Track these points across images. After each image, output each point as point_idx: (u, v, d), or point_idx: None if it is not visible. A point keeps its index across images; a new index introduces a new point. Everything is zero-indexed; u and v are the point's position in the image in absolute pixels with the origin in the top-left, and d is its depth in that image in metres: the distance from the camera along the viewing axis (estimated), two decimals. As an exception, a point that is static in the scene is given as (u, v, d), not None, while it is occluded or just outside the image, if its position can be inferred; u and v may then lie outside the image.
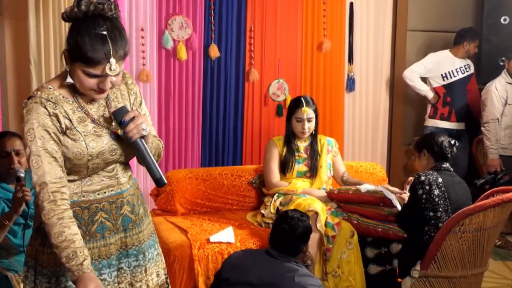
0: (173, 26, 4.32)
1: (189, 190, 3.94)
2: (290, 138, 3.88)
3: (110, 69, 1.77)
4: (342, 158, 4.27)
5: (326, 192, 3.77)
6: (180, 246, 3.33)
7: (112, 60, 1.76)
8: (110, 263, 1.97)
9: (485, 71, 5.19)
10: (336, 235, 3.47)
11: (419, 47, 5.31)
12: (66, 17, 1.81)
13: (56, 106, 1.84)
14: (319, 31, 4.86)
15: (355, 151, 5.18)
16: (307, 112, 3.80)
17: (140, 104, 2.07)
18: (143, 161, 1.91)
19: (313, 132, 3.89)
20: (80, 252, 1.72)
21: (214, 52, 4.48)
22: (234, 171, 4.15)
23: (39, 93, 1.84)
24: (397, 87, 5.29)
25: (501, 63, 5.01)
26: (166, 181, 1.94)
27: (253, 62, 4.64)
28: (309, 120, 3.81)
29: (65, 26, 3.85)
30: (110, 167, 1.97)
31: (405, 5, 5.21)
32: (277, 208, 3.67)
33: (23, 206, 2.66)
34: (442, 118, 5.04)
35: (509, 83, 4.79)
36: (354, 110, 5.15)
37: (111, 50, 1.76)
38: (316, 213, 3.42)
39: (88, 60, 1.76)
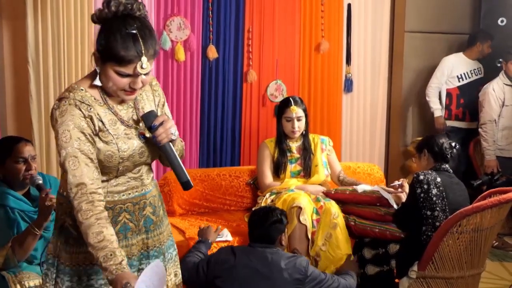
0: (171, 27, 4.32)
1: (187, 190, 3.93)
2: (281, 139, 3.89)
3: (142, 67, 1.79)
4: (340, 159, 4.28)
5: (323, 192, 3.76)
6: (178, 247, 3.23)
7: (144, 58, 1.78)
8: (131, 264, 1.98)
9: (484, 74, 5.21)
10: (319, 218, 3.49)
11: (416, 48, 5.33)
12: (96, 18, 1.83)
13: (90, 108, 1.85)
14: (317, 32, 4.87)
15: (353, 152, 5.19)
16: (296, 111, 3.81)
17: (163, 105, 2.09)
18: (171, 164, 1.93)
19: (304, 132, 3.89)
20: (118, 252, 1.73)
21: (212, 53, 4.49)
22: (232, 171, 4.16)
23: (71, 94, 1.85)
24: (395, 88, 5.30)
25: (498, 65, 5.04)
26: (192, 184, 1.97)
27: (251, 63, 4.65)
28: (298, 119, 3.82)
29: (64, 26, 3.85)
30: (137, 169, 1.99)
31: (403, 6, 5.22)
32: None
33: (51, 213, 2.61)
34: (457, 119, 5.11)
35: (506, 84, 4.81)
36: (352, 111, 5.16)
37: (143, 49, 1.78)
38: (300, 208, 3.42)
39: (120, 59, 1.77)
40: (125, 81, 1.82)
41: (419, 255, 3.06)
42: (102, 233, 1.73)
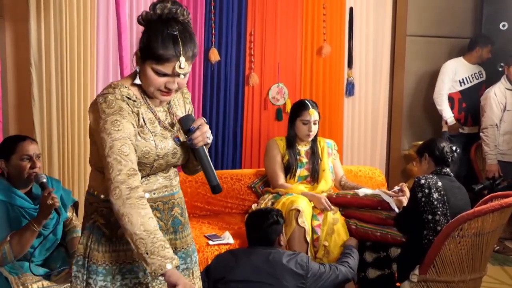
0: (174, 29, 4.32)
1: (189, 193, 3.95)
2: (293, 141, 3.88)
3: (180, 67, 1.84)
4: (341, 162, 4.28)
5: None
6: (179, 249, 3.33)
7: (182, 58, 1.83)
8: None
9: (486, 77, 5.22)
10: (320, 223, 3.50)
11: (418, 52, 5.33)
12: (142, 20, 1.91)
13: (135, 104, 1.91)
14: (318, 35, 4.88)
15: (354, 155, 5.19)
16: (314, 114, 3.80)
17: (191, 113, 2.13)
18: (203, 167, 1.97)
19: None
20: (167, 244, 1.76)
21: (214, 56, 4.50)
22: (233, 174, 4.16)
23: (117, 90, 1.89)
24: (396, 92, 5.31)
25: (500, 69, 5.04)
26: (222, 188, 1.99)
27: (253, 66, 4.66)
28: (314, 123, 3.82)
29: (67, 29, 3.85)
30: (170, 171, 2.03)
31: (405, 10, 5.23)
32: None
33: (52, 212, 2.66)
34: (459, 123, 5.10)
35: (508, 89, 4.81)
36: (353, 115, 5.16)
37: (181, 50, 1.83)
38: (298, 211, 3.42)
39: (159, 57, 1.83)
40: (161, 81, 1.86)
41: (420, 259, 3.06)
42: (149, 225, 1.75)
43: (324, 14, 4.87)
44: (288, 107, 4.64)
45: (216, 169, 4.63)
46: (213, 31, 4.50)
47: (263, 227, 3.03)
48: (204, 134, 1.93)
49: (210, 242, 3.42)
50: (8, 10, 3.82)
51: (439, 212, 3.04)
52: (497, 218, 3.01)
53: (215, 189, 1.96)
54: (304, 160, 3.88)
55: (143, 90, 1.95)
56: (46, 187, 2.68)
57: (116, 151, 1.79)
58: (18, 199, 2.77)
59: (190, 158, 2.07)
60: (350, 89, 5.09)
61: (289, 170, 3.83)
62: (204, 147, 1.96)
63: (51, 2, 3.80)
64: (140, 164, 1.89)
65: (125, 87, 1.92)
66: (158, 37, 1.84)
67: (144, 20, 1.90)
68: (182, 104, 2.10)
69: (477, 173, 5.06)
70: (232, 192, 4.09)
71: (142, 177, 1.91)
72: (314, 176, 3.87)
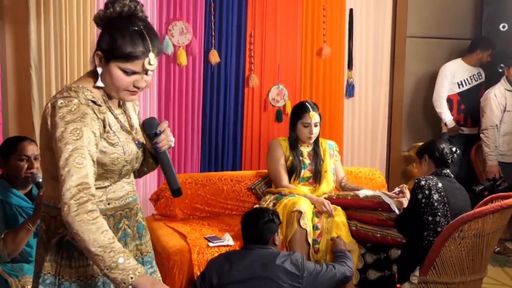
0: (174, 31, 4.33)
1: (189, 195, 3.95)
2: (295, 144, 3.88)
3: (149, 63, 1.78)
4: (342, 163, 4.28)
5: (325, 198, 3.75)
6: (179, 251, 3.33)
7: (151, 54, 1.78)
8: None
9: (485, 78, 5.22)
10: (320, 219, 3.51)
11: (418, 53, 5.33)
12: (100, 19, 1.82)
13: (101, 109, 1.82)
14: (318, 37, 4.88)
15: (354, 156, 5.19)
16: (315, 116, 3.80)
17: (138, 113, 2.09)
18: (166, 171, 1.94)
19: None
20: (126, 255, 1.67)
21: (214, 57, 4.50)
22: (233, 176, 4.16)
23: (80, 93, 1.78)
24: (396, 93, 5.31)
25: (500, 70, 5.04)
26: (182, 192, 1.97)
27: (253, 68, 4.66)
28: (315, 125, 3.81)
29: (66, 31, 3.86)
30: (131, 177, 1.98)
31: (405, 11, 5.23)
32: None
33: None
34: (458, 125, 5.11)
35: (508, 90, 4.81)
36: (354, 116, 5.16)
37: (150, 45, 1.78)
38: (300, 212, 3.42)
39: (128, 55, 1.76)
40: (130, 80, 1.79)
41: (420, 260, 3.06)
42: (103, 240, 1.65)
43: (324, 16, 4.87)
44: (288, 109, 4.64)
45: (216, 170, 4.69)
46: (213, 33, 4.50)
47: (258, 225, 3.04)
48: (168, 138, 1.90)
49: (210, 244, 3.41)
50: (8, 13, 3.83)
51: (439, 213, 3.04)
52: (498, 219, 3.00)
53: (176, 192, 1.94)
54: (307, 161, 3.87)
55: (105, 93, 1.86)
56: (41, 187, 2.69)
57: (71, 163, 1.68)
58: (15, 198, 2.78)
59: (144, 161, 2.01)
60: (350, 90, 5.09)
61: (294, 172, 3.83)
62: (167, 151, 1.93)
63: (51, 4, 3.80)
64: (108, 171, 1.83)
65: (88, 90, 1.81)
66: (125, 35, 1.76)
67: (102, 19, 1.81)
68: (132, 107, 2.03)
69: (477, 174, 5.06)
70: (232, 193, 4.09)
71: (109, 186, 1.86)
72: (317, 177, 3.87)
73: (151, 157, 1.99)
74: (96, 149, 1.76)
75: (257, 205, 3.85)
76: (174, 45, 4.35)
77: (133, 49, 1.76)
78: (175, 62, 4.38)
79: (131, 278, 1.65)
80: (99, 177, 1.81)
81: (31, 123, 3.82)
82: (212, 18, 4.49)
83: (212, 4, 4.47)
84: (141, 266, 1.70)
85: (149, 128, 1.92)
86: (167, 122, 1.95)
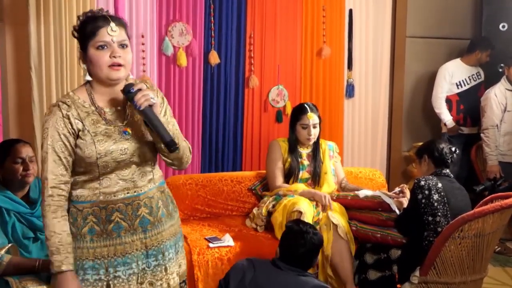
0: (173, 32, 4.34)
1: (189, 196, 3.95)
2: (295, 145, 3.88)
3: (112, 30, 1.99)
4: (342, 164, 4.28)
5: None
6: (180, 252, 3.33)
7: (112, 23, 2.00)
8: (125, 261, 2.08)
9: (485, 77, 5.22)
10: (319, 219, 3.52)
11: (418, 53, 5.33)
12: (75, 31, 2.07)
13: (69, 109, 2.02)
14: (318, 37, 4.88)
15: (355, 157, 5.18)
16: (313, 118, 3.80)
17: (165, 110, 2.20)
18: (154, 128, 2.00)
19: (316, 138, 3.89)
20: (64, 249, 1.94)
21: (214, 58, 4.50)
22: (233, 177, 4.17)
23: (61, 98, 2.07)
24: (396, 93, 5.31)
25: (500, 70, 5.04)
26: (178, 145, 2.03)
27: (253, 69, 4.66)
28: (314, 126, 3.82)
29: (66, 32, 3.86)
30: (127, 171, 2.07)
31: (404, 11, 5.23)
32: (269, 211, 3.68)
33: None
34: (458, 125, 5.10)
35: (508, 89, 4.81)
36: (354, 116, 5.16)
37: (109, 18, 2.02)
38: (300, 213, 3.41)
39: (92, 30, 1.99)
40: (104, 53, 1.99)
41: (421, 260, 3.06)
42: (55, 226, 1.94)
43: (324, 16, 4.87)
44: (288, 109, 4.64)
45: (216, 171, 4.68)
46: (213, 34, 4.50)
47: (311, 251, 2.84)
48: (146, 95, 1.99)
49: (210, 245, 3.41)
50: (8, 14, 3.83)
51: (439, 214, 3.04)
52: (498, 219, 3.01)
53: (170, 145, 2.00)
54: (306, 162, 3.88)
55: (92, 92, 2.07)
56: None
57: (44, 160, 1.99)
58: (13, 204, 2.77)
59: (159, 149, 2.11)
60: (350, 91, 5.09)
61: (292, 174, 3.83)
62: (152, 109, 2.00)
63: (50, 5, 3.81)
64: (88, 165, 2.02)
65: (70, 93, 2.08)
66: (88, 19, 2.02)
67: (77, 31, 2.07)
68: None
69: (477, 174, 5.06)
70: (232, 194, 4.09)
71: (100, 179, 2.04)
72: (315, 179, 3.87)
73: (161, 143, 2.05)
74: (67, 146, 2.00)
75: (256, 208, 3.83)
76: (174, 46, 4.35)
77: (95, 24, 2.00)
78: (175, 63, 4.39)
79: (56, 269, 1.94)
80: (85, 170, 2.03)
81: (31, 124, 3.82)
82: (212, 19, 4.49)
83: (212, 5, 4.47)
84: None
85: (126, 90, 2.02)
86: (144, 85, 2.06)
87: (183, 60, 4.37)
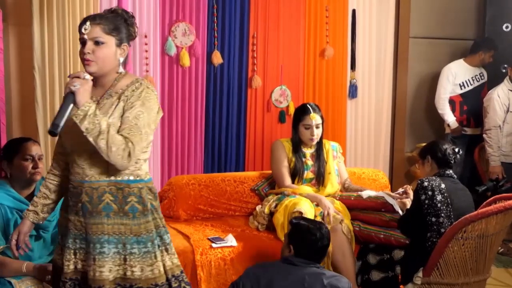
0: (176, 32, 4.34)
1: (192, 196, 3.95)
2: (298, 146, 3.88)
3: (84, 28, 2.20)
4: (345, 164, 4.28)
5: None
6: (182, 252, 3.32)
7: (87, 23, 2.20)
8: (70, 234, 2.30)
9: (488, 78, 5.21)
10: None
11: (421, 53, 5.33)
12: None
13: None
14: (321, 38, 4.88)
15: (358, 157, 5.18)
16: (315, 118, 3.80)
17: (131, 107, 2.24)
18: (60, 109, 2.13)
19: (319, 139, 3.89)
20: (31, 207, 2.40)
21: (217, 58, 4.50)
22: (236, 177, 4.16)
23: None
24: (399, 94, 5.30)
25: (503, 70, 5.03)
26: (55, 132, 2.08)
27: (255, 69, 4.66)
28: (317, 127, 3.81)
29: (70, 33, 3.87)
30: (81, 158, 2.25)
31: (407, 12, 5.23)
32: (271, 210, 3.69)
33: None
34: (461, 125, 5.10)
35: (511, 90, 4.80)
36: (357, 117, 5.16)
37: (89, 17, 2.23)
38: (301, 213, 3.41)
39: (79, 30, 2.23)
40: (82, 49, 2.21)
41: (424, 261, 3.06)
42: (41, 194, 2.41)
43: (327, 17, 4.87)
44: (291, 110, 4.64)
45: (219, 171, 4.68)
46: (216, 34, 4.50)
47: (326, 244, 2.92)
48: (72, 82, 2.12)
49: (213, 245, 3.41)
50: (11, 15, 3.83)
51: (442, 214, 3.04)
52: (501, 220, 3.00)
53: (51, 127, 2.07)
54: (310, 162, 3.87)
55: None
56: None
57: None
58: (15, 202, 2.79)
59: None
60: (353, 91, 5.09)
61: (296, 174, 3.83)
62: (71, 94, 2.10)
63: (54, 6, 3.81)
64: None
65: None
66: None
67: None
68: (117, 105, 2.25)
69: (481, 174, 5.05)
70: (236, 194, 4.09)
71: (72, 163, 2.29)
72: (320, 179, 3.86)
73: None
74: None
75: (259, 206, 3.84)
76: (177, 46, 4.36)
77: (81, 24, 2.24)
78: (178, 64, 4.39)
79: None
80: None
81: (35, 124, 3.83)
82: (215, 19, 4.49)
83: (215, 5, 4.47)
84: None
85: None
86: (87, 75, 2.18)
87: (186, 60, 4.37)
